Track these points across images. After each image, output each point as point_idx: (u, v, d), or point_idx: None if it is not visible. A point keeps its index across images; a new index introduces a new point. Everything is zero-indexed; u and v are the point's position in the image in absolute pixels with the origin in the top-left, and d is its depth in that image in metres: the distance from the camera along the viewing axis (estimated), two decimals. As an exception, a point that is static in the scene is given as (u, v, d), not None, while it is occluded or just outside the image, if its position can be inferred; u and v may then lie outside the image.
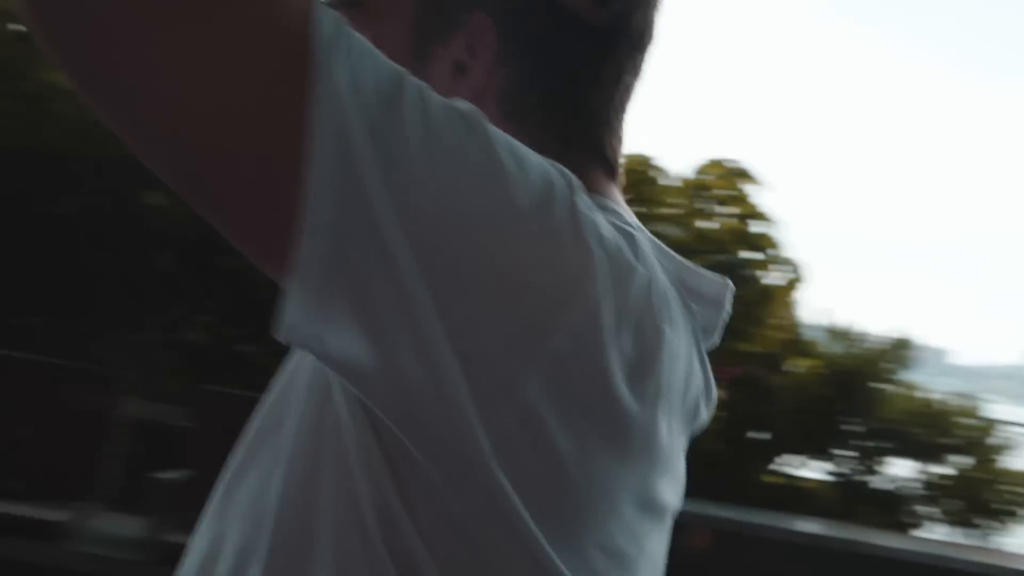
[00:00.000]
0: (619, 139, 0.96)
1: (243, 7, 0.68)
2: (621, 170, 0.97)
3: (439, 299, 0.70)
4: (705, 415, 0.96)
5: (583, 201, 0.77)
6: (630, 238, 0.82)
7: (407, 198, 0.70)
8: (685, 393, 0.89)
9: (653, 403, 0.80)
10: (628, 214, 0.92)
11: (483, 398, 0.72)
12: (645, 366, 0.79)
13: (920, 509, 13.16)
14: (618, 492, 0.80)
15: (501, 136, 0.75)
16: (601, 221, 0.79)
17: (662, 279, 0.84)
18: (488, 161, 0.73)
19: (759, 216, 13.63)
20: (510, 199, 0.73)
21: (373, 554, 0.75)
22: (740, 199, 13.76)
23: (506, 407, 0.73)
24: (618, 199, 0.94)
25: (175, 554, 0.96)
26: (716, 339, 0.97)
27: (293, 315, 0.70)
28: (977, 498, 12.95)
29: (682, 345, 0.86)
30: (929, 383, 14.68)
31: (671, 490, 0.89)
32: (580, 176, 0.80)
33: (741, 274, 12.31)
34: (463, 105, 0.75)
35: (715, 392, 0.97)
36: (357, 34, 0.72)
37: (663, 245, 0.92)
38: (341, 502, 0.77)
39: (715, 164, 13.99)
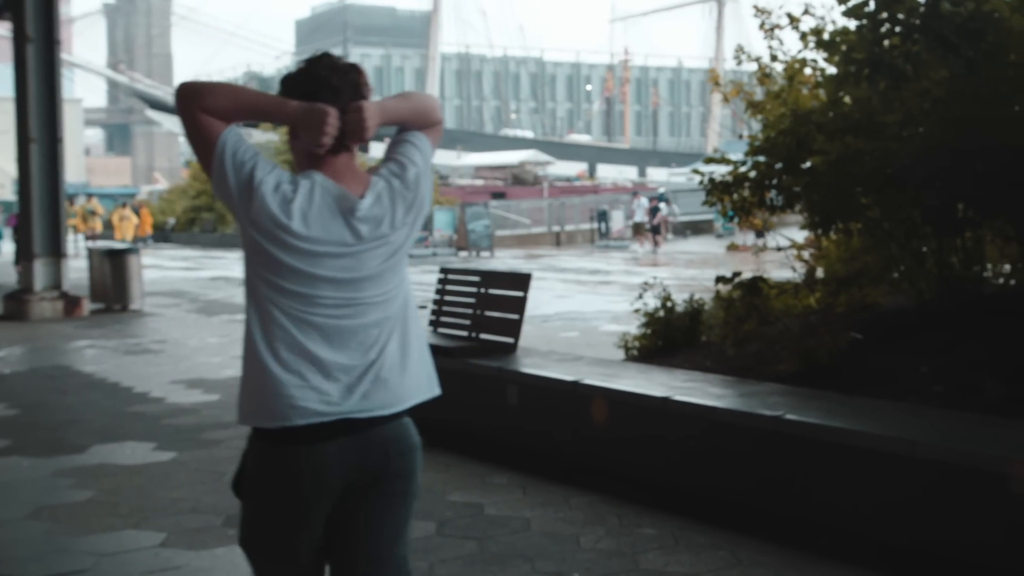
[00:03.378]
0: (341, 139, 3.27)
1: (202, 139, 3.20)
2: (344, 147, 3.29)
3: (235, 190, 3.19)
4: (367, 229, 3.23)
5: (260, 169, 3.19)
6: (292, 182, 3.22)
7: (228, 163, 3.18)
8: (331, 220, 3.20)
9: (287, 225, 3.15)
10: (321, 178, 3.24)
11: (242, 219, 3.20)
12: (284, 215, 3.14)
13: None
14: (273, 254, 3.17)
15: (251, 149, 3.22)
16: (268, 177, 3.19)
17: (308, 191, 3.21)
18: (250, 156, 3.20)
19: None
20: (238, 167, 3.18)
21: (248, 271, 3.25)
22: None
23: (248, 219, 3.17)
24: (327, 170, 3.27)
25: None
26: (363, 212, 3.22)
27: (213, 180, 3.26)
28: None
29: (324, 209, 3.18)
30: None
31: (330, 267, 3.20)
32: (317, 158, 3.30)
33: None
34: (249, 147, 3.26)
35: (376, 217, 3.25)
36: (235, 132, 3.22)
37: (333, 185, 3.23)
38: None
39: None
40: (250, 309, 3.24)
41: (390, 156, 3.39)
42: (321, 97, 3.21)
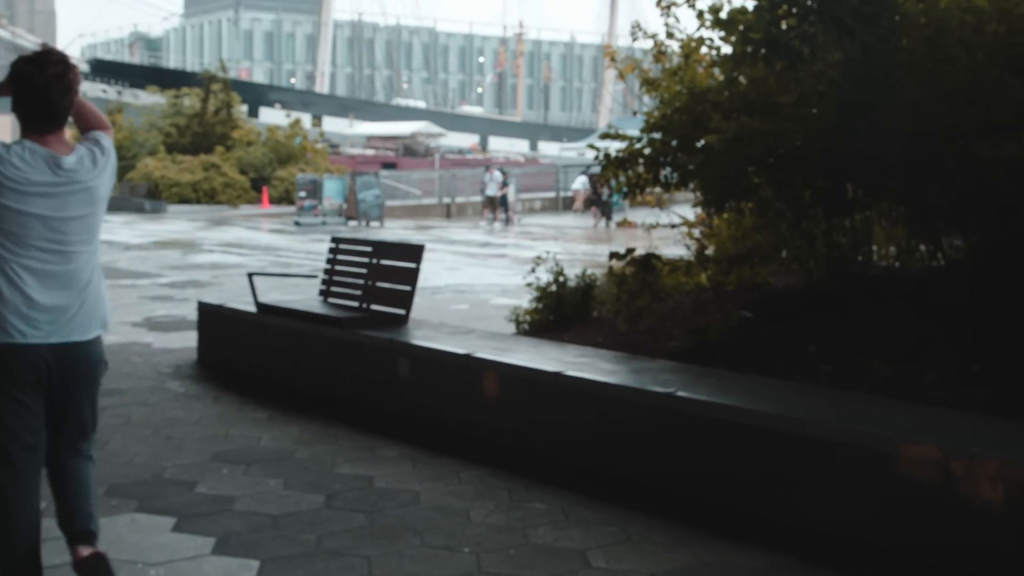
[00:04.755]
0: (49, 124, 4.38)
1: None
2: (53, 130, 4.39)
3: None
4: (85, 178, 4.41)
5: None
6: (5, 146, 4.26)
7: None
8: (41, 169, 4.29)
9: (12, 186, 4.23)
10: (32, 144, 4.33)
11: None
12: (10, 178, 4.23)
13: None
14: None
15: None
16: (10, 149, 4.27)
17: (20, 150, 4.28)
18: None
19: None
20: None
21: None
22: None
23: None
24: (36, 140, 4.35)
25: None
26: (68, 165, 4.35)
27: None
28: None
29: (35, 162, 4.28)
30: None
31: (49, 208, 4.29)
32: (34, 133, 4.37)
33: None
34: None
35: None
36: None
37: (42, 148, 4.32)
38: None
39: None
40: None
41: (86, 139, 4.61)
42: (33, 90, 4.34)
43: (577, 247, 26.27)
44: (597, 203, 39.94)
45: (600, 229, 36.73)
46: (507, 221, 39.48)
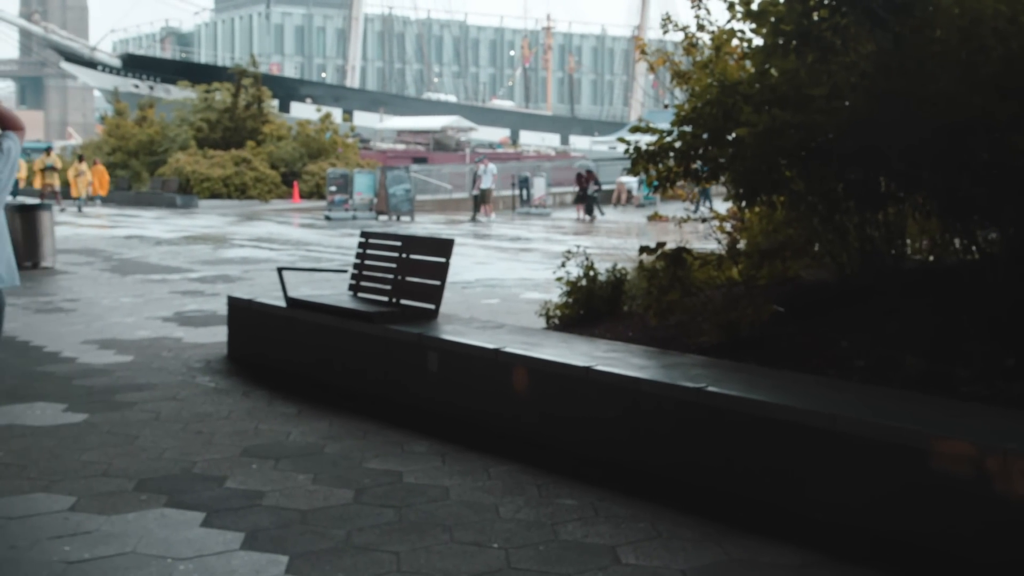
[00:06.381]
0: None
1: None
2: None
3: None
4: None
5: None
6: None
7: None
8: None
9: None
10: None
11: None
12: None
13: None
14: None
15: None
16: None
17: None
18: None
19: None
20: None
21: None
22: None
23: None
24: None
25: None
26: None
27: None
28: None
29: None
30: None
31: None
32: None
33: None
34: None
35: None
36: None
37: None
38: None
39: None
40: None
41: None
42: None
43: (607, 241, 26.19)
44: (582, 199, 39.86)
45: (584, 224, 36.64)
46: (477, 211, 39.24)
